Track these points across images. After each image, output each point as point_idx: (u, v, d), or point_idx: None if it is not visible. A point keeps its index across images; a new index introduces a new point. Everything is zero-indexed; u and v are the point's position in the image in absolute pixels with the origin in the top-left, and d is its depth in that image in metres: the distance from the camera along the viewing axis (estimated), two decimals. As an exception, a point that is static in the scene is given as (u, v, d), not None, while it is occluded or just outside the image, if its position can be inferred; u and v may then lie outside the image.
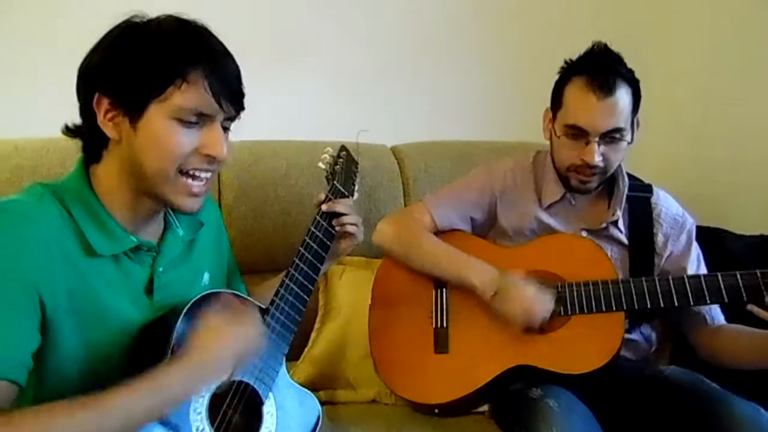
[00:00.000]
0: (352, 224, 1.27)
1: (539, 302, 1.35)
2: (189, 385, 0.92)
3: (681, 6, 2.25)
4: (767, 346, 1.33)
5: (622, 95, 1.36)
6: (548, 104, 1.50)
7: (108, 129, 0.93)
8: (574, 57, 1.44)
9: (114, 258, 0.97)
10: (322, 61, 2.09)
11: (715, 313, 1.47)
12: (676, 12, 2.26)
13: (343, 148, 1.42)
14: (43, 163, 1.54)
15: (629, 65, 1.42)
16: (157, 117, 0.91)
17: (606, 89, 1.35)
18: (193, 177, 0.96)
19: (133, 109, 0.91)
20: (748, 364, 1.38)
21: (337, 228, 1.26)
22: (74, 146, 1.56)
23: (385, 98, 2.16)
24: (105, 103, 0.92)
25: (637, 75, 1.42)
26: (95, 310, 0.94)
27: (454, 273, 1.46)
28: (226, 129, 0.99)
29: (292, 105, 2.04)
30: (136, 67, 0.90)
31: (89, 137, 0.98)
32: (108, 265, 0.97)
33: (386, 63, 2.16)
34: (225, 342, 0.96)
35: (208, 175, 0.98)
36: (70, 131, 1.00)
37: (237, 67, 0.98)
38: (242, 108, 0.99)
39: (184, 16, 0.95)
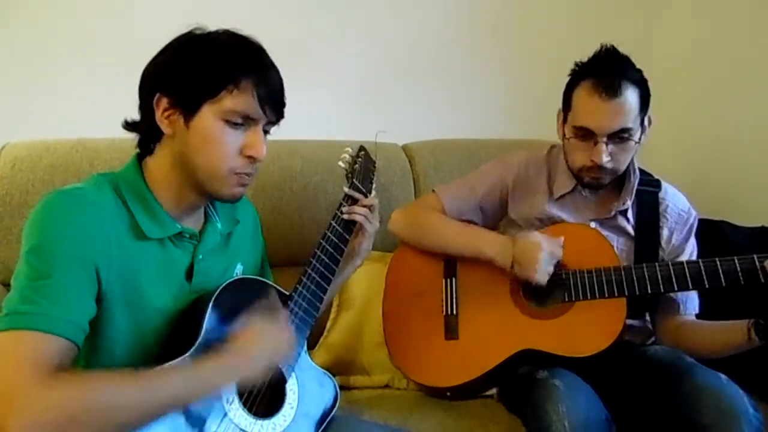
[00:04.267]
0: (361, 215, 1.33)
1: (547, 261, 1.41)
2: (223, 381, 1.00)
3: (683, 8, 2.28)
4: (724, 335, 1.38)
5: (629, 96, 1.40)
6: (556, 102, 1.54)
7: (164, 125, 1.03)
8: (582, 57, 1.47)
9: (160, 242, 1.06)
10: (336, 63, 2.13)
11: (690, 305, 1.51)
12: (680, 10, 2.29)
13: (361, 148, 1.47)
14: (74, 162, 1.61)
15: (636, 61, 1.45)
16: (208, 116, 1.01)
17: (612, 91, 1.38)
18: (240, 174, 1.06)
19: (189, 108, 1.02)
20: (703, 355, 1.41)
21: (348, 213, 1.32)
22: (102, 147, 1.64)
23: (397, 98, 2.19)
24: (164, 101, 1.02)
25: (642, 70, 1.45)
26: (140, 291, 1.03)
27: (470, 248, 1.51)
28: (266, 132, 1.09)
29: (307, 106, 2.04)
30: (194, 72, 1.01)
31: (146, 132, 1.08)
32: (154, 248, 1.05)
33: (397, 65, 2.19)
34: (262, 347, 1.04)
35: (252, 172, 1.08)
36: (129, 125, 1.10)
37: (281, 79, 1.09)
38: (282, 116, 1.10)
39: (240, 32, 1.06)
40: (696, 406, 1.24)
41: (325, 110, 2.09)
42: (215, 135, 1.02)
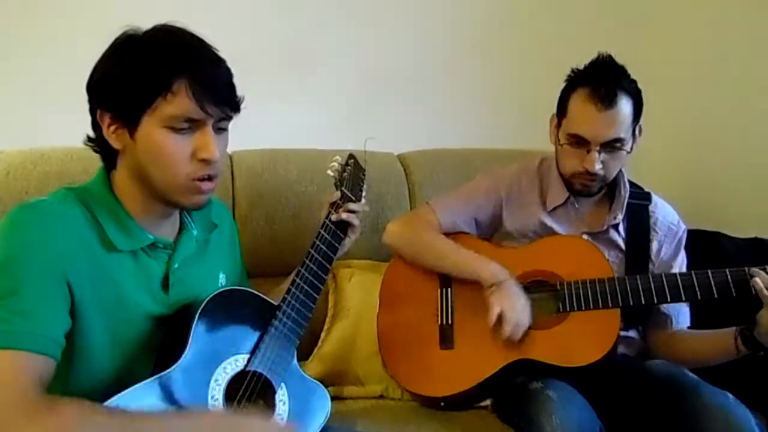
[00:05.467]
0: (352, 214, 1.33)
1: (517, 312, 1.40)
2: None
3: (679, 14, 2.29)
4: (712, 344, 1.41)
5: (623, 107, 1.42)
6: (551, 112, 1.56)
7: (112, 141, 1.00)
8: (578, 65, 1.49)
9: (132, 254, 1.03)
10: (331, 72, 2.14)
11: (681, 319, 1.53)
12: (675, 20, 2.30)
13: (351, 156, 1.47)
14: (68, 170, 1.60)
15: (630, 71, 1.46)
16: (150, 127, 0.97)
17: (607, 101, 1.40)
18: (200, 180, 1.02)
19: (129, 121, 0.98)
20: (695, 365, 1.43)
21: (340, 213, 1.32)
22: (96, 155, 1.63)
23: (392, 107, 2.19)
24: (107, 117, 0.99)
25: (637, 81, 1.46)
26: (117, 300, 1.00)
27: (463, 266, 1.51)
28: (222, 129, 1.04)
29: (303, 115, 2.08)
30: (126, 82, 0.96)
31: (102, 148, 1.05)
32: (127, 260, 1.03)
33: (393, 73, 2.20)
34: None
35: (214, 175, 1.03)
36: (90, 141, 1.07)
37: (225, 70, 1.02)
38: (234, 109, 1.03)
39: (177, 24, 1.00)
40: (702, 424, 1.24)
41: (319, 119, 2.10)
42: (162, 145, 0.97)
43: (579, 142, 1.45)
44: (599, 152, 1.43)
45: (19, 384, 0.83)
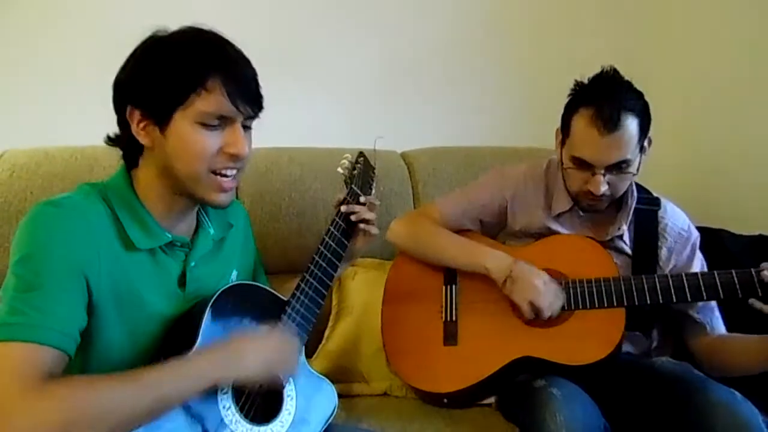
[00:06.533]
0: (368, 220, 1.32)
1: (549, 294, 1.39)
2: (216, 373, 0.98)
3: (682, 18, 2.29)
4: (758, 350, 1.38)
5: (628, 127, 1.36)
6: (555, 110, 1.52)
7: (141, 137, 1.02)
8: (582, 66, 1.44)
9: (150, 252, 1.05)
10: (334, 71, 2.14)
11: (716, 324, 1.51)
12: (679, 24, 2.30)
13: (361, 154, 1.47)
14: (72, 169, 1.61)
15: (632, 75, 1.43)
16: (182, 123, 0.99)
17: (611, 124, 1.35)
18: (222, 175, 1.03)
19: (161, 118, 0.99)
20: (746, 370, 1.41)
21: (352, 218, 1.30)
22: (101, 154, 1.65)
23: (396, 106, 2.19)
24: (136, 114, 1.01)
25: (639, 83, 1.43)
26: (134, 299, 1.02)
27: (468, 259, 1.50)
28: (247, 128, 1.06)
29: (307, 114, 2.09)
30: (159, 80, 0.98)
31: (126, 146, 1.06)
32: (145, 258, 1.04)
33: (396, 72, 2.20)
34: (259, 346, 1.04)
35: (235, 172, 1.05)
36: (111, 140, 1.08)
37: (253, 70, 1.05)
38: (260, 108, 1.06)
39: (202, 26, 1.02)
40: (710, 421, 1.23)
41: (324, 118, 2.11)
42: (193, 140, 0.99)
43: (583, 165, 1.42)
44: (604, 175, 1.41)
45: (19, 372, 0.84)
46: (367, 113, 2.16)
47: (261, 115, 1.07)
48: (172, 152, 1.00)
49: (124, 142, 1.06)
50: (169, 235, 1.07)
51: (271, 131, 1.91)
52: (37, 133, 1.77)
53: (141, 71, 1.01)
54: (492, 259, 1.47)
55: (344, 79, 2.16)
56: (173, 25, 1.04)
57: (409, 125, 2.19)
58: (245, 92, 1.01)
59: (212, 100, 0.98)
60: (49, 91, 1.89)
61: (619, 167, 1.41)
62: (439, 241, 1.56)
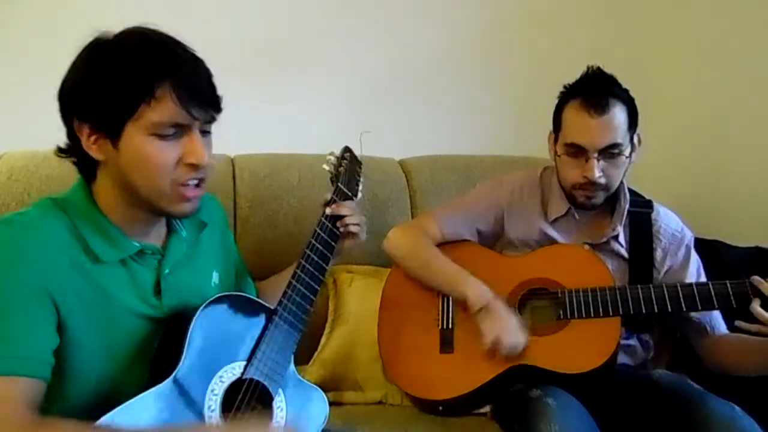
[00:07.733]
0: (355, 224, 1.28)
1: (517, 336, 1.40)
2: None
3: (678, 25, 2.30)
4: (760, 349, 1.38)
5: (617, 113, 1.42)
6: (551, 121, 1.55)
7: (93, 152, 0.95)
8: (572, 80, 1.49)
9: (121, 262, 1.00)
10: (333, 78, 2.14)
11: (716, 324, 1.51)
12: (674, 31, 2.31)
13: (347, 149, 1.44)
14: (70, 173, 1.55)
15: (629, 83, 1.47)
16: (135, 136, 0.92)
17: (600, 108, 1.41)
18: (186, 185, 0.98)
19: (111, 131, 0.93)
20: (751, 370, 1.42)
21: (341, 228, 1.27)
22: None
23: (394, 113, 2.20)
24: (85, 128, 0.94)
25: (635, 92, 1.47)
26: (108, 310, 0.97)
27: (451, 286, 1.52)
28: (206, 132, 1.00)
29: (305, 120, 2.09)
30: (104, 92, 0.91)
31: (80, 159, 0.99)
32: (116, 269, 0.99)
33: (395, 80, 2.20)
34: None
35: (197, 181, 0.99)
36: (62, 152, 1.01)
37: (206, 70, 0.98)
38: (218, 110, 0.99)
39: (150, 26, 0.95)
40: None
41: (321, 125, 2.10)
42: (148, 153, 0.93)
43: (577, 151, 1.45)
44: (598, 159, 1.43)
45: (3, 409, 0.82)
46: (365, 120, 2.14)
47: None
48: (129, 166, 0.94)
49: (77, 154, 0.99)
50: (137, 244, 1.01)
51: (269, 137, 1.93)
52: (34, 136, 1.76)
53: (85, 82, 0.94)
54: (473, 288, 1.48)
55: (343, 86, 2.16)
56: (174, 26, 0.99)
57: (407, 132, 2.19)
58: (198, 96, 0.94)
59: (163, 109, 0.92)
60: (47, 94, 1.87)
61: (611, 152, 1.44)
62: (429, 266, 1.56)
